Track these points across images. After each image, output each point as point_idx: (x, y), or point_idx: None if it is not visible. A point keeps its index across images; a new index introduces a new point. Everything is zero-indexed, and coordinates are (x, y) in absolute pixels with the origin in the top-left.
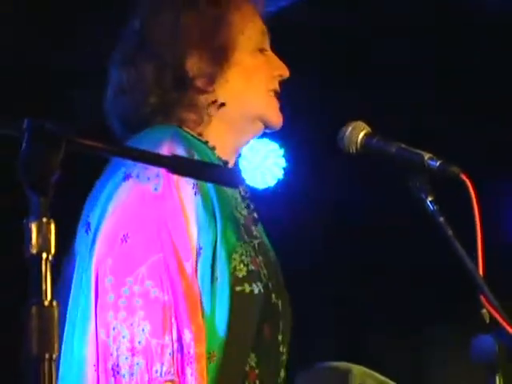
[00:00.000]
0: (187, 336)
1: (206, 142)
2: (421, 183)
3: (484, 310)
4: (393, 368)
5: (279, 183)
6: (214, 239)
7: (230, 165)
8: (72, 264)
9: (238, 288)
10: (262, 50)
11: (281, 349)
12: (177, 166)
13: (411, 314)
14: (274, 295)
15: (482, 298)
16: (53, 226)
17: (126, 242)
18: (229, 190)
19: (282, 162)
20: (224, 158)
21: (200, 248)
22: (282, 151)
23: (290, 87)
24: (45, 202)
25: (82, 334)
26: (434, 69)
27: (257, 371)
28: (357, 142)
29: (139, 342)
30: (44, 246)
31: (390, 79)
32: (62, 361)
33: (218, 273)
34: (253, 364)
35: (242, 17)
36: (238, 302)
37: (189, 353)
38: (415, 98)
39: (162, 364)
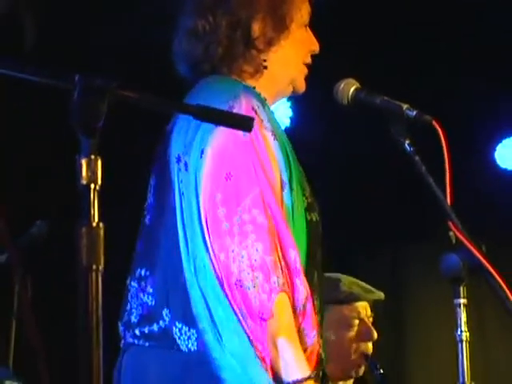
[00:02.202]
0: (292, 254)
1: (259, 94)
2: (400, 129)
3: (451, 233)
4: (373, 281)
5: (286, 131)
6: (290, 177)
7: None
8: (170, 190)
9: (307, 217)
10: (306, 26)
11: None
12: (200, 113)
13: (390, 235)
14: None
15: (450, 223)
16: (99, 162)
17: (230, 179)
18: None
19: (289, 113)
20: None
21: (285, 183)
22: (289, 103)
23: None
24: (93, 143)
25: (192, 256)
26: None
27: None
28: (348, 96)
29: (255, 260)
30: (92, 178)
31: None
32: (164, 270)
33: (296, 203)
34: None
35: None
36: (309, 228)
37: (296, 268)
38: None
39: (278, 277)
